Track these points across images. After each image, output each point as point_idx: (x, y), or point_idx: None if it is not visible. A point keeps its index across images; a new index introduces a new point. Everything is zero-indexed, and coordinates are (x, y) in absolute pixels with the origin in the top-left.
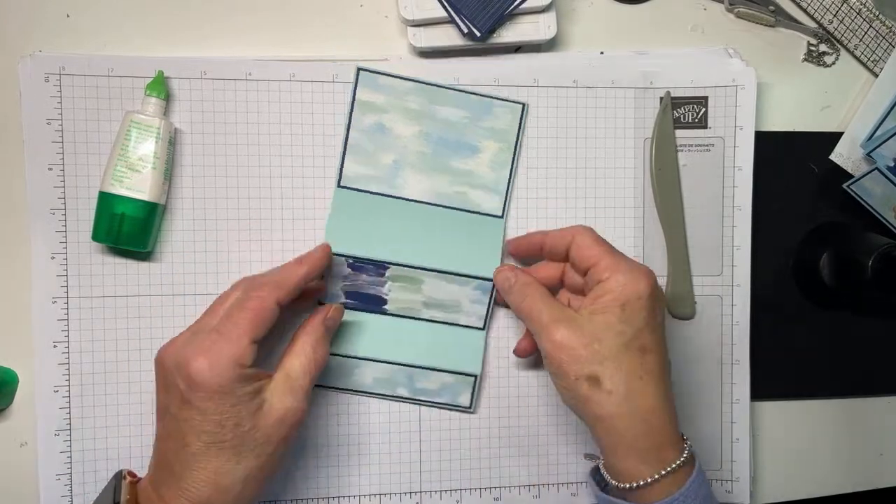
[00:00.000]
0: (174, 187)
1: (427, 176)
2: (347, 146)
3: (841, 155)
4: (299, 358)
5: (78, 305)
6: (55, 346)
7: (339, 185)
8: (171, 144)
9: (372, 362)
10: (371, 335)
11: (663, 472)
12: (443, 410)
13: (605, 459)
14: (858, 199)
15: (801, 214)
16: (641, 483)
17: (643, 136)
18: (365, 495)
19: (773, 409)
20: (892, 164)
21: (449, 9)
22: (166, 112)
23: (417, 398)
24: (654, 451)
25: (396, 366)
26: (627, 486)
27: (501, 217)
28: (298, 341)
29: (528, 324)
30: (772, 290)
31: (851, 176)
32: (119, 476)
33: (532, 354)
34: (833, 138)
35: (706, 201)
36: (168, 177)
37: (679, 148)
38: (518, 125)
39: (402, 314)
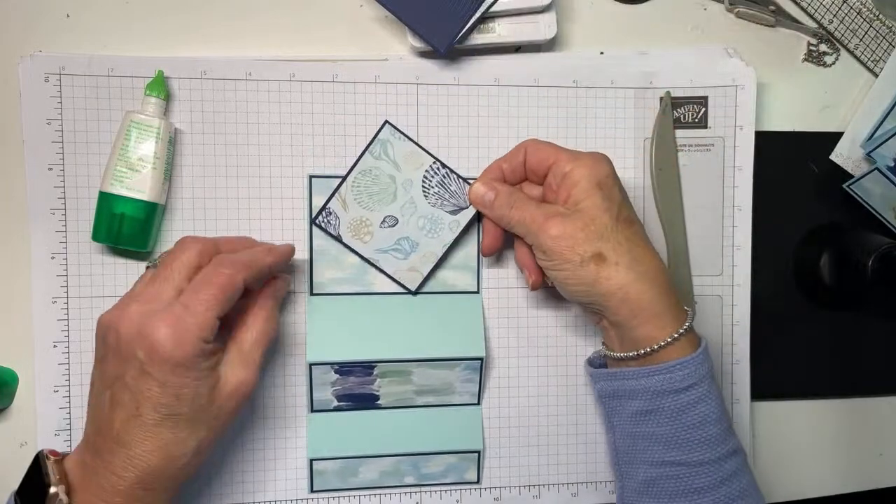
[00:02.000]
0: (174, 187)
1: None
2: (313, 254)
3: (841, 155)
4: (251, 331)
5: (78, 305)
6: (55, 346)
7: (311, 294)
8: (171, 144)
9: (375, 458)
10: (369, 432)
11: (681, 331)
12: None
13: (620, 333)
14: (858, 199)
15: (801, 214)
16: (662, 343)
17: (643, 136)
18: (365, 494)
19: (773, 409)
20: (892, 164)
21: (407, 26)
22: (166, 112)
23: (425, 483)
24: (668, 312)
25: (399, 457)
26: (647, 349)
27: (478, 292)
28: (250, 314)
29: (520, 228)
30: (772, 290)
31: (851, 176)
32: (41, 457)
33: (496, 252)
34: (833, 138)
35: (706, 201)
36: (168, 177)
37: (679, 148)
38: (475, 211)
39: (396, 406)
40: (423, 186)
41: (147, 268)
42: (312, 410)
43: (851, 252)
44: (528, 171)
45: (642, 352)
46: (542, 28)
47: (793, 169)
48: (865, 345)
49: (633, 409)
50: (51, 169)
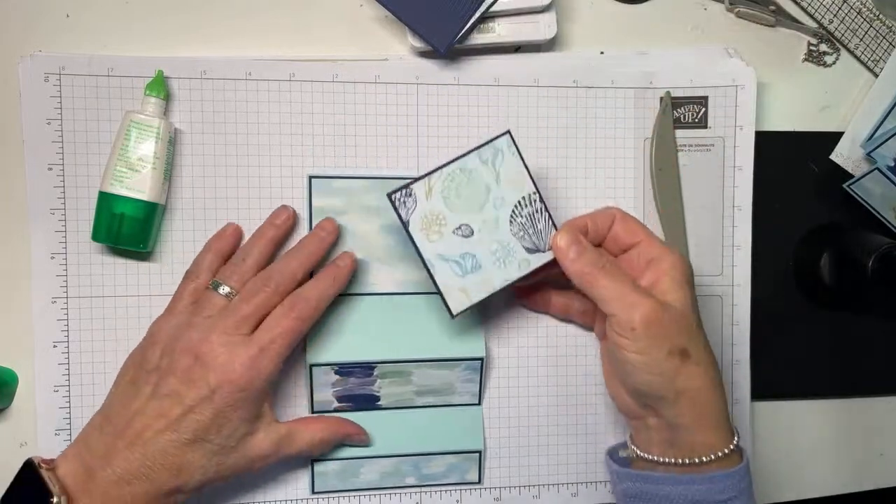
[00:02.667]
0: (174, 187)
1: (396, 267)
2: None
3: (841, 155)
4: (308, 437)
5: (78, 305)
6: (55, 346)
7: None
8: (171, 144)
9: (376, 459)
10: (370, 433)
11: (736, 441)
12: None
13: (672, 435)
14: (858, 199)
15: (801, 214)
16: (719, 454)
17: (643, 136)
18: (365, 494)
19: (773, 409)
20: (892, 164)
21: (407, 26)
22: (166, 112)
23: (426, 484)
24: (726, 424)
25: (400, 458)
26: (701, 459)
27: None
28: (319, 426)
29: (604, 293)
30: (772, 290)
31: (851, 176)
32: (34, 466)
33: (540, 310)
34: (833, 138)
35: (706, 201)
36: (168, 177)
37: (679, 148)
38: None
39: (396, 406)
40: (513, 211)
41: (208, 289)
42: (313, 411)
43: (851, 252)
44: (609, 238)
45: (696, 460)
46: (542, 28)
47: (793, 169)
48: (865, 345)
49: None
50: (51, 169)
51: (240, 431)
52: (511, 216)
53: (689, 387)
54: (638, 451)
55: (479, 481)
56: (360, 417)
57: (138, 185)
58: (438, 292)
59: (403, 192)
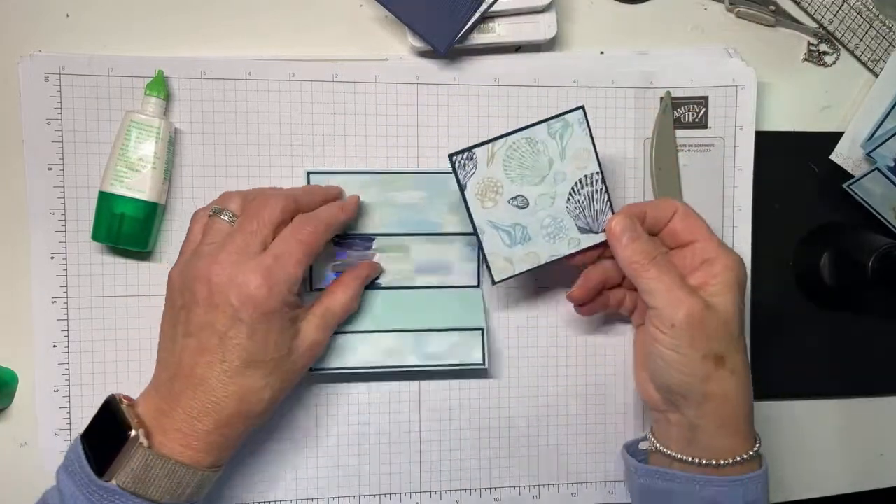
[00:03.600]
0: (174, 187)
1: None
2: None
3: (841, 155)
4: (336, 301)
5: (78, 305)
6: (55, 346)
7: (310, 290)
8: (171, 144)
9: (376, 334)
10: (370, 310)
11: (756, 447)
12: (444, 407)
13: (692, 435)
14: (858, 199)
15: (801, 214)
16: (738, 459)
17: (643, 136)
18: (365, 495)
19: (774, 409)
20: (892, 164)
21: (407, 26)
22: (166, 112)
23: (428, 364)
24: (749, 430)
25: (401, 333)
26: (720, 462)
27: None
28: (340, 286)
29: (650, 284)
30: (772, 290)
31: (851, 176)
32: (113, 402)
33: (585, 303)
34: (833, 138)
35: (706, 202)
36: (168, 177)
37: (679, 148)
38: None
39: (395, 285)
40: (572, 188)
41: (210, 216)
42: (311, 288)
43: (851, 252)
44: (664, 231)
45: (714, 462)
46: (542, 28)
47: (793, 169)
48: (865, 345)
49: None
50: (50, 169)
51: (285, 339)
52: (570, 193)
53: (717, 392)
54: (657, 445)
55: (484, 363)
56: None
57: (138, 185)
58: (484, 258)
59: (465, 154)
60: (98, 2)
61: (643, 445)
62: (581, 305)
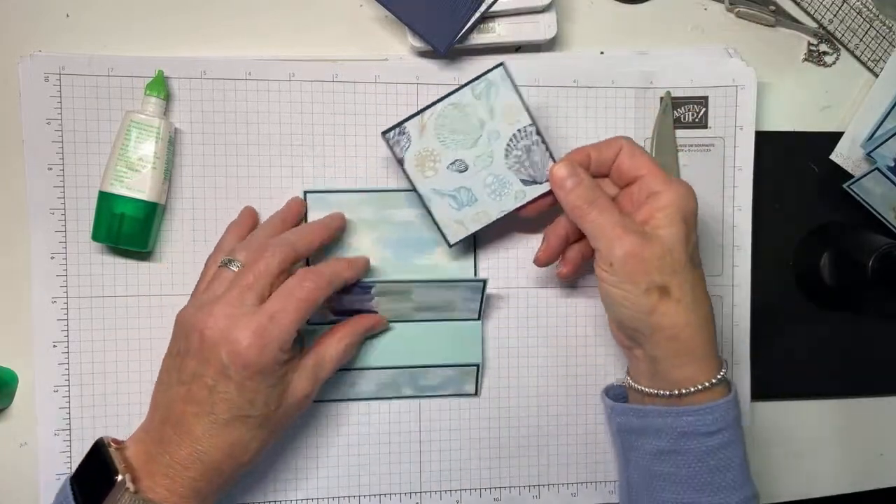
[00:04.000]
0: (174, 187)
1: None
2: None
3: (841, 155)
4: (333, 353)
5: (78, 305)
6: (55, 346)
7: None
8: (171, 144)
9: (373, 370)
10: (368, 346)
11: (719, 377)
12: (444, 407)
13: (655, 368)
14: (858, 199)
15: (801, 214)
16: (700, 387)
17: (643, 136)
18: (365, 496)
19: (773, 409)
20: (892, 164)
21: (407, 26)
22: (166, 112)
23: (423, 395)
24: (710, 358)
25: (398, 370)
26: (683, 391)
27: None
28: (336, 336)
29: (592, 229)
30: (772, 290)
31: (851, 176)
32: (102, 445)
33: (552, 263)
34: (833, 138)
35: (706, 202)
36: (168, 177)
37: (679, 148)
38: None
39: (394, 320)
40: (507, 144)
41: (220, 266)
42: (309, 323)
43: (851, 252)
44: (612, 170)
45: (676, 392)
46: (542, 28)
47: (793, 169)
48: (865, 345)
49: (654, 447)
50: (50, 169)
51: (273, 396)
52: (507, 149)
53: (664, 324)
54: (630, 381)
55: (476, 393)
56: None
57: (138, 185)
58: (436, 225)
59: (397, 130)
60: (98, 2)
61: (612, 385)
62: (547, 266)
